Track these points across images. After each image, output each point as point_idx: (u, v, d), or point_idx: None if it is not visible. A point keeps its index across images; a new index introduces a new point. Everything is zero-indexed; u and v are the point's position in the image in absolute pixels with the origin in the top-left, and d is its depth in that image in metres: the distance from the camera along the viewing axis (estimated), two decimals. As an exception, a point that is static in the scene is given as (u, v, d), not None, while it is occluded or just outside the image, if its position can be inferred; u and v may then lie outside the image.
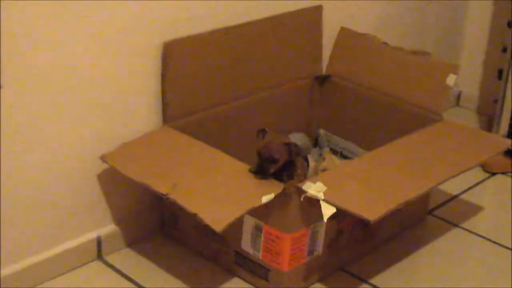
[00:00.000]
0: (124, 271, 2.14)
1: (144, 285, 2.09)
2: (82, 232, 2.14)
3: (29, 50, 1.85)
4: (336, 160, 2.55)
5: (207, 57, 2.25)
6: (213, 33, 2.23)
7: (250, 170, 1.98)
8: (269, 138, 2.03)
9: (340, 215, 1.91)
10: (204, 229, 1.89)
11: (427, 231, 2.44)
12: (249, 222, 2.03)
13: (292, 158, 2.04)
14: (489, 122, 3.14)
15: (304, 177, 2.08)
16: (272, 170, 1.98)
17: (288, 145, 2.03)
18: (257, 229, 2.02)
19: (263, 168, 1.98)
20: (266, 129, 2.05)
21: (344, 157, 2.62)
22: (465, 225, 2.48)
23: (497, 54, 3.11)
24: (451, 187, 2.61)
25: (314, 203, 1.91)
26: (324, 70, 2.63)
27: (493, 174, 2.82)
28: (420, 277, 2.21)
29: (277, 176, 2.00)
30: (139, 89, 2.14)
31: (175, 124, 2.19)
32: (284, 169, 2.02)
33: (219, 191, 1.92)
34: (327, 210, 1.89)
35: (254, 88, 2.42)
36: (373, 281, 2.16)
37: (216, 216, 1.81)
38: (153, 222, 2.29)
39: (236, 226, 2.01)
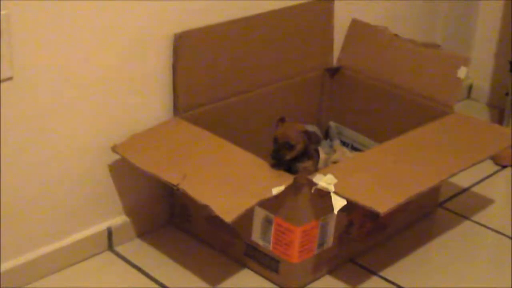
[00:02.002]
0: (134, 261, 2.15)
1: (154, 276, 2.09)
2: (93, 223, 2.15)
3: (40, 42, 1.86)
4: (347, 152, 2.55)
5: (218, 49, 2.25)
6: (224, 25, 2.23)
7: (270, 156, 1.99)
8: (287, 125, 2.04)
9: (350, 207, 1.91)
10: (215, 221, 1.89)
11: (437, 223, 2.44)
12: (260, 214, 2.03)
13: (310, 146, 2.04)
14: (500, 114, 3.13)
15: (315, 169, 2.08)
16: (288, 157, 1.99)
17: (307, 133, 2.03)
18: (268, 221, 2.03)
19: (279, 154, 1.98)
20: (284, 117, 2.06)
21: (354, 149, 2.62)
22: (476, 217, 2.48)
23: (509, 46, 3.10)
24: (462, 179, 2.60)
25: (324, 195, 1.91)
26: (335, 62, 2.63)
27: (504, 167, 2.81)
28: (430, 270, 2.21)
29: (291, 164, 2.00)
30: (150, 80, 2.14)
31: (186, 115, 2.19)
32: (299, 157, 2.03)
33: (229, 182, 1.93)
34: (338, 203, 1.89)
35: (265, 80, 2.42)
36: (383, 273, 2.16)
37: (227, 207, 1.81)
38: (164, 213, 2.30)
39: (247, 218, 2.01)
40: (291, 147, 2.00)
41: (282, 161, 1.99)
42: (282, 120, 2.06)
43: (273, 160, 1.99)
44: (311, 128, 2.55)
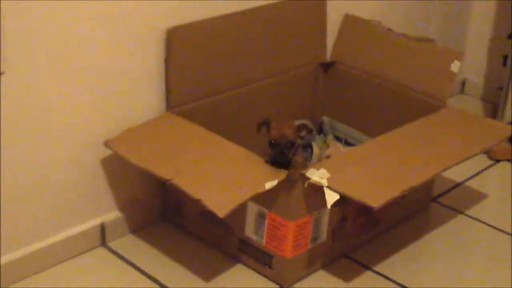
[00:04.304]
0: (128, 257, 2.14)
1: (147, 271, 2.09)
2: (86, 218, 2.14)
3: (32, 38, 1.85)
4: (340, 147, 2.55)
5: (211, 44, 2.24)
6: (217, 19, 2.23)
7: (266, 161, 1.97)
8: (279, 124, 2.01)
9: (343, 202, 1.91)
10: (208, 216, 1.89)
11: (431, 218, 2.44)
12: (253, 209, 2.03)
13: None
14: (493, 109, 3.13)
15: (304, 161, 2.08)
16: (291, 155, 1.98)
17: (299, 126, 2.03)
18: (261, 216, 2.02)
19: (285, 156, 1.96)
20: (267, 118, 2.03)
21: (348, 144, 2.62)
22: (469, 212, 2.48)
23: (502, 41, 3.10)
24: (455, 174, 2.60)
25: (317, 189, 1.91)
26: (328, 57, 2.63)
27: (498, 161, 2.81)
28: (424, 264, 2.21)
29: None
30: (143, 75, 2.13)
31: (179, 110, 2.18)
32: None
33: (222, 177, 1.92)
34: (331, 197, 1.89)
35: (258, 75, 2.41)
36: (377, 268, 2.16)
37: (220, 201, 1.81)
38: (157, 208, 2.29)
39: (240, 213, 2.01)
40: (292, 144, 1.98)
41: (285, 160, 1.97)
42: (265, 122, 2.01)
43: (275, 164, 1.96)
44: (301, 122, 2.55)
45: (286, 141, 1.97)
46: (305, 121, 2.55)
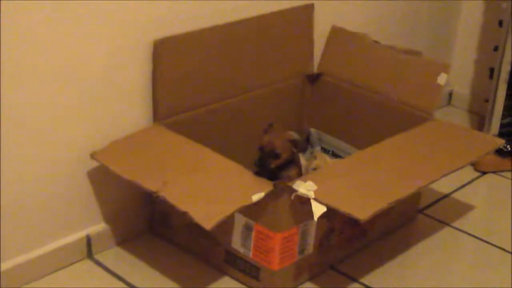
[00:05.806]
0: (114, 269, 2.13)
1: (134, 283, 2.08)
2: (72, 230, 2.13)
3: (19, 49, 1.84)
4: (327, 158, 2.55)
5: (198, 56, 2.24)
6: (204, 31, 2.23)
7: (255, 173, 1.98)
8: (273, 133, 2.03)
9: (330, 214, 1.91)
10: (195, 228, 1.88)
11: (418, 230, 2.44)
12: (240, 221, 2.02)
13: (296, 155, 2.04)
14: (480, 121, 3.14)
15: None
16: (273, 166, 1.99)
17: (294, 141, 2.03)
18: (248, 228, 2.02)
19: (265, 163, 1.98)
20: (273, 123, 2.05)
21: (335, 155, 2.62)
22: (456, 224, 2.48)
23: (489, 53, 3.11)
24: (442, 186, 2.61)
25: (304, 202, 1.91)
26: (315, 69, 2.63)
27: (484, 173, 2.82)
28: (411, 276, 2.21)
29: (276, 173, 2.00)
30: (130, 87, 2.13)
31: (166, 122, 2.18)
32: (284, 166, 2.03)
33: (209, 189, 1.92)
34: (318, 209, 1.88)
35: (245, 87, 2.41)
36: (364, 280, 2.16)
37: (206, 214, 1.80)
38: (144, 220, 2.28)
39: (227, 225, 2.00)
40: (276, 155, 2.00)
41: (267, 169, 1.99)
42: (269, 125, 2.05)
43: (258, 168, 1.98)
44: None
45: (269, 149, 1.99)
46: (291, 133, 2.56)
